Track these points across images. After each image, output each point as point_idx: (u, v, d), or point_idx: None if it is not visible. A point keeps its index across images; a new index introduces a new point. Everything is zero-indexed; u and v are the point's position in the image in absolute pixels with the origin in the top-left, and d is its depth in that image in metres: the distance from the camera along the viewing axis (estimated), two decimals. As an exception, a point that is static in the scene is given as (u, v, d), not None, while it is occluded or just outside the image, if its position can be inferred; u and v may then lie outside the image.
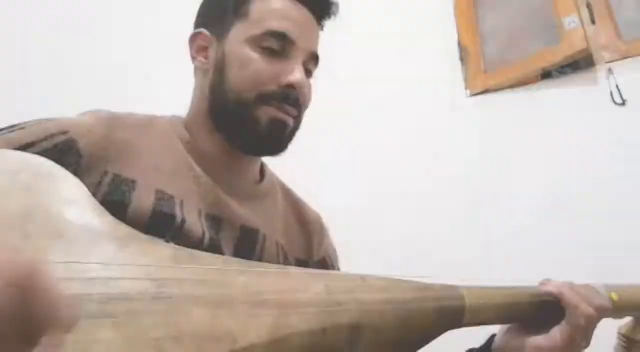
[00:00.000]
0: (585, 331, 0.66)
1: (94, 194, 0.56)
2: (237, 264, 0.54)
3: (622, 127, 1.72)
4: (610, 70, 1.76)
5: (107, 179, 0.65)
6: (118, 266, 0.45)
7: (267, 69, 0.74)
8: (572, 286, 0.68)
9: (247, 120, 0.74)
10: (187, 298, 0.46)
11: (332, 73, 1.74)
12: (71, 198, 0.51)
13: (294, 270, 0.60)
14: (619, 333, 0.77)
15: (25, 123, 0.66)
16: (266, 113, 0.74)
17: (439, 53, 2.08)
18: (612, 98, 1.73)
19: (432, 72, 2.05)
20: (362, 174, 2.01)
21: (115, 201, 0.62)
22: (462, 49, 2.06)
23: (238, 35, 0.76)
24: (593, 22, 1.81)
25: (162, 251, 0.51)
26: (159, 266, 0.48)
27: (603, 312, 0.67)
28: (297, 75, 0.74)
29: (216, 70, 0.77)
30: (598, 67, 1.79)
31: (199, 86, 0.80)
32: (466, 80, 2.03)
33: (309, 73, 0.79)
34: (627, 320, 0.77)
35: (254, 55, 0.74)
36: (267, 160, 0.88)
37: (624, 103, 1.72)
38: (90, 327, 0.40)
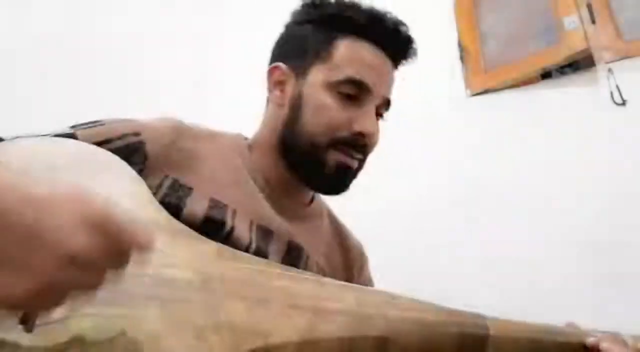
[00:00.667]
0: None
1: (154, 194, 0.60)
2: (277, 267, 0.57)
3: (622, 127, 1.73)
4: (610, 70, 1.77)
5: (167, 182, 0.69)
6: (169, 255, 0.48)
7: (341, 115, 0.76)
8: (607, 340, 0.68)
9: (315, 161, 0.77)
10: (228, 292, 0.49)
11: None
12: (133, 191, 0.55)
13: (329, 281, 0.62)
14: None
15: (105, 120, 0.71)
16: (334, 157, 0.76)
17: (439, 53, 2.08)
18: (612, 98, 1.74)
19: (432, 72, 2.05)
20: (361, 174, 2.00)
21: (171, 203, 0.66)
22: (462, 48, 2.07)
23: (317, 77, 0.78)
24: (593, 22, 1.82)
25: (209, 247, 0.53)
26: (206, 260, 0.50)
27: None
28: (368, 125, 0.77)
29: (292, 107, 0.79)
30: (598, 67, 1.80)
31: (271, 116, 0.82)
32: (466, 80, 2.03)
33: (379, 116, 0.81)
34: None
35: (331, 101, 0.76)
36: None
37: (624, 103, 1.73)
38: (140, 305, 0.43)
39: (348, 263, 0.89)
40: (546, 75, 1.91)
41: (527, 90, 1.93)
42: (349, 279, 0.87)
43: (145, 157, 0.68)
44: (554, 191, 1.76)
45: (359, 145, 0.77)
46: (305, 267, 0.78)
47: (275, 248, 0.75)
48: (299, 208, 0.84)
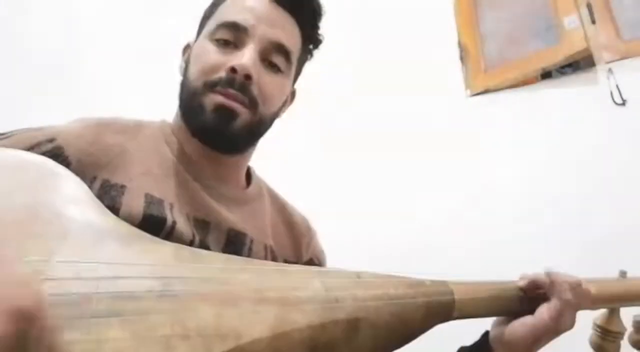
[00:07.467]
0: (573, 307, 0.66)
1: None
2: (238, 262, 0.56)
3: (622, 127, 1.72)
4: (610, 70, 1.75)
5: (97, 185, 0.65)
6: (123, 265, 0.46)
7: (217, 58, 0.74)
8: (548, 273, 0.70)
9: (195, 108, 0.74)
10: (192, 296, 0.47)
11: (331, 73, 1.74)
12: (74, 197, 0.52)
13: (292, 268, 0.62)
14: (594, 324, 0.79)
15: (13, 131, 0.66)
16: (211, 100, 0.72)
17: (439, 53, 2.08)
18: (612, 98, 1.73)
19: (432, 72, 2.05)
20: (361, 174, 2.01)
21: (105, 205, 0.61)
22: (462, 49, 2.06)
23: (202, 34, 0.79)
24: (593, 22, 1.81)
25: (165, 249, 0.52)
26: (163, 264, 0.49)
27: (584, 292, 0.68)
28: (240, 59, 0.73)
29: (184, 71, 0.79)
30: (598, 67, 1.79)
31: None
32: (466, 80, 2.03)
33: (273, 65, 0.77)
34: (602, 311, 0.79)
35: (209, 46, 0.76)
36: (256, 164, 0.89)
37: (624, 103, 1.72)
38: (98, 326, 0.41)
39: (296, 239, 0.87)
40: (546, 75, 1.90)
41: (527, 90, 1.92)
42: (298, 255, 0.86)
43: (67, 162, 0.64)
44: (553, 190, 1.76)
45: (236, 84, 0.72)
46: (250, 252, 0.76)
47: (213, 238, 0.72)
48: (237, 192, 0.81)
